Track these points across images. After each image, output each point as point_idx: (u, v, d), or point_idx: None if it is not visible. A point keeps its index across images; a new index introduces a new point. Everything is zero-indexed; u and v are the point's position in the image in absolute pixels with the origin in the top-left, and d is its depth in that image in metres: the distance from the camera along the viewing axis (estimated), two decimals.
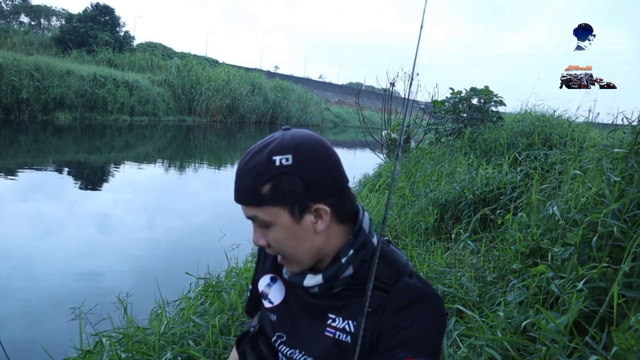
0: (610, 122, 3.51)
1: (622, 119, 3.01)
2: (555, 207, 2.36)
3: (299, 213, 0.81)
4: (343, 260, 0.86)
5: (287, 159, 0.79)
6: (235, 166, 0.86)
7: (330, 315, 0.88)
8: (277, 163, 0.79)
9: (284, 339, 0.93)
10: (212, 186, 9.63)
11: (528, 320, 1.78)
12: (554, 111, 5.65)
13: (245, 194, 0.81)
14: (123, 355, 2.12)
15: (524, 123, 5.37)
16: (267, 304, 0.98)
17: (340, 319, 0.87)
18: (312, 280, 0.88)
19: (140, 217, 6.76)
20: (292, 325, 0.93)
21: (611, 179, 2.23)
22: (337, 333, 0.86)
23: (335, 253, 0.87)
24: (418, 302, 0.83)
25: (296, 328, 0.92)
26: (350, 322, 0.86)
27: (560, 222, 2.28)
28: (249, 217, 0.84)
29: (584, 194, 2.39)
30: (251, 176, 0.80)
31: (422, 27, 0.74)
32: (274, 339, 0.95)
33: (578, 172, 2.61)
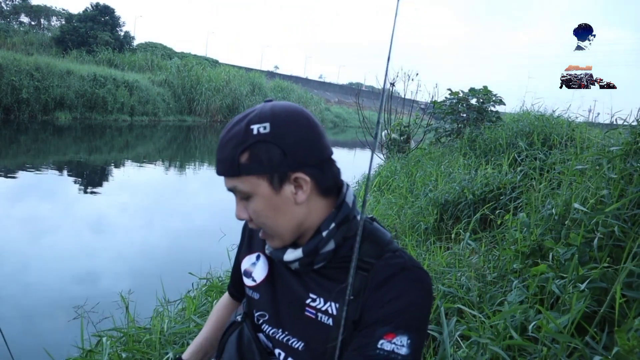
0: (609, 122, 3.51)
1: (617, 119, 3.03)
2: (554, 208, 2.37)
3: (278, 182, 0.80)
4: (324, 233, 0.83)
5: (264, 127, 0.78)
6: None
7: (312, 295, 0.85)
8: (255, 132, 0.78)
9: (267, 317, 0.90)
10: (212, 186, 9.63)
11: (533, 323, 1.78)
12: (553, 111, 5.66)
13: (224, 164, 0.80)
14: (124, 355, 2.12)
15: (523, 123, 5.37)
16: (250, 282, 0.95)
17: (322, 300, 0.84)
18: (292, 255, 0.85)
19: (141, 217, 6.76)
20: (274, 303, 0.90)
21: (610, 179, 2.24)
22: (319, 315, 0.83)
23: (317, 227, 0.84)
24: (399, 274, 0.79)
25: (277, 307, 0.89)
26: (332, 304, 0.83)
27: (566, 222, 2.29)
28: (229, 189, 0.83)
29: (586, 195, 2.39)
30: (230, 146, 0.79)
31: (395, 22, 0.75)
32: (256, 317, 0.92)
33: (584, 167, 2.61)
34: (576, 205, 2.23)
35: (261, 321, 0.91)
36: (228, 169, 0.80)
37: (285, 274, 0.90)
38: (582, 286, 1.72)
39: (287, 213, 0.82)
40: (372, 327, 0.76)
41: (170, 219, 6.81)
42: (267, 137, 0.78)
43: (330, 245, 0.83)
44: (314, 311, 0.84)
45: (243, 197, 0.82)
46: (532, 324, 1.73)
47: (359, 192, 6.20)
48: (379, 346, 0.74)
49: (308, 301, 0.85)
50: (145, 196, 8.15)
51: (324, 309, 0.83)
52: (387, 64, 0.76)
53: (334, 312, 0.82)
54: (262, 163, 0.78)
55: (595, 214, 2.07)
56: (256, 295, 0.93)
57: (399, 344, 0.74)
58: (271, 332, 0.89)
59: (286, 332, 0.87)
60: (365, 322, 0.78)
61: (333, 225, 0.84)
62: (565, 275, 1.87)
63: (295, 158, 0.79)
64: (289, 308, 0.87)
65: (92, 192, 8.09)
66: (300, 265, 0.85)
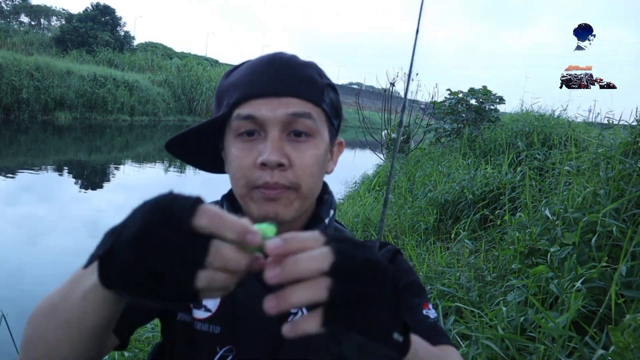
0: (607, 122, 3.53)
1: (609, 120, 3.05)
2: (548, 208, 2.38)
3: (332, 137, 0.71)
4: (326, 220, 0.72)
5: (328, 78, 0.70)
6: None
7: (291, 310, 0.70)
8: (327, 77, 0.70)
9: (235, 353, 0.70)
10: (210, 186, 9.63)
11: (527, 317, 1.79)
12: (553, 111, 5.67)
13: (308, 85, 0.64)
14: (126, 354, 2.13)
15: (522, 123, 5.38)
16: (202, 314, 0.71)
17: (305, 310, 0.69)
18: None
19: None
20: (242, 332, 0.70)
21: (608, 179, 2.24)
22: None
23: (313, 213, 0.72)
24: (396, 258, 0.77)
25: (248, 334, 0.70)
26: None
27: (557, 222, 2.30)
28: (291, 115, 0.62)
29: (580, 194, 2.40)
30: (312, 71, 0.66)
31: (417, 31, 0.74)
32: (220, 356, 0.69)
33: (578, 166, 2.62)
34: (546, 212, 2.24)
35: (229, 358, 0.70)
36: (312, 91, 0.64)
37: (246, 291, 0.68)
38: (578, 284, 1.72)
39: (321, 176, 0.69)
40: (408, 303, 0.72)
41: None
42: (335, 88, 0.70)
43: None
44: None
45: (297, 134, 0.64)
46: (530, 323, 1.74)
47: (357, 192, 6.21)
48: (425, 314, 0.71)
49: (291, 318, 0.67)
50: (144, 196, 8.15)
51: None
52: (410, 70, 0.75)
53: None
54: (334, 108, 0.69)
55: (589, 214, 2.07)
56: (216, 329, 0.71)
57: (431, 309, 0.74)
58: None
59: None
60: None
61: (332, 212, 0.74)
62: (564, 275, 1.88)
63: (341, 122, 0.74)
64: (267, 331, 0.68)
65: (91, 192, 8.09)
66: None
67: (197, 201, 0.41)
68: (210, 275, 0.39)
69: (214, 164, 0.75)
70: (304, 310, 0.64)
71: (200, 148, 0.73)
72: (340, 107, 0.72)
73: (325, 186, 0.76)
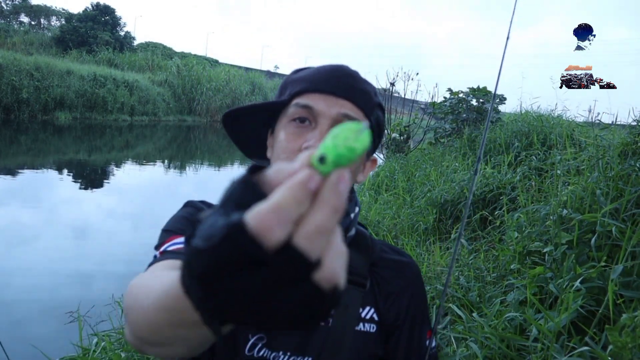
0: (599, 121, 3.53)
1: (599, 120, 3.05)
2: (546, 208, 2.37)
3: (368, 152, 0.77)
4: (352, 215, 0.75)
5: (380, 99, 0.77)
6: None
7: None
8: (379, 99, 0.77)
9: (265, 341, 0.72)
10: (211, 187, 9.63)
11: (528, 319, 1.78)
12: (551, 111, 5.66)
13: (364, 96, 0.72)
14: (123, 355, 2.12)
15: (522, 123, 5.37)
16: None
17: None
18: None
19: (139, 218, 6.76)
20: None
21: (607, 178, 2.24)
22: (364, 324, 0.74)
23: None
24: (414, 273, 0.81)
25: None
26: (372, 309, 0.75)
27: (547, 222, 2.29)
28: (343, 115, 0.68)
29: (579, 194, 2.39)
30: (370, 88, 0.74)
31: (508, 38, 0.76)
32: (251, 344, 0.71)
33: (559, 171, 2.61)
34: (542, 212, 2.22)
35: (259, 346, 0.72)
36: (366, 102, 0.72)
37: None
38: (577, 283, 1.72)
39: (352, 179, 0.72)
40: (417, 330, 0.78)
41: (164, 220, 6.79)
42: (384, 110, 0.78)
43: (353, 232, 0.77)
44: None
45: None
46: (531, 323, 1.73)
47: (360, 192, 6.20)
48: (427, 345, 0.79)
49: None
50: (143, 197, 8.15)
51: (368, 317, 0.75)
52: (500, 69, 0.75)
53: (377, 318, 0.76)
54: (379, 126, 0.76)
55: (586, 214, 2.07)
56: None
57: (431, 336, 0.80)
58: (272, 356, 0.72)
59: (288, 354, 0.71)
60: (404, 325, 0.77)
61: (357, 209, 0.77)
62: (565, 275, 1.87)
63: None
64: None
65: (90, 193, 8.09)
66: None
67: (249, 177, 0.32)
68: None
69: (256, 148, 0.80)
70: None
71: (249, 128, 0.79)
72: (384, 128, 0.80)
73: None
